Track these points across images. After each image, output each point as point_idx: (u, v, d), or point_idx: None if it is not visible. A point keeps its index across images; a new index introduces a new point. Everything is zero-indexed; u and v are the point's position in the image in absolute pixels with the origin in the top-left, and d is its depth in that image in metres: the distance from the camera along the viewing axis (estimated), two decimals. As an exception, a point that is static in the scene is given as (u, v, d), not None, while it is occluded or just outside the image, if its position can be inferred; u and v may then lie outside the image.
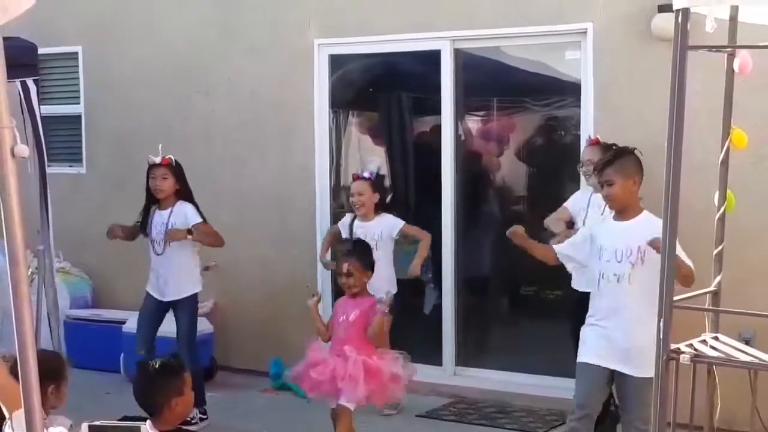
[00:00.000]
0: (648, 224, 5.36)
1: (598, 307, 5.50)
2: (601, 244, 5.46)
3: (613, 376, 5.53)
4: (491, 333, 9.07)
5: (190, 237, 7.19)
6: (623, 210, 5.46)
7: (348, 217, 7.70)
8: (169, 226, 7.23)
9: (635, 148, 5.73)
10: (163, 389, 4.30)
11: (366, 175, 7.56)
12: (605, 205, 5.92)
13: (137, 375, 4.51)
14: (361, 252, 6.49)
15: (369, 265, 6.29)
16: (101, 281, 9.61)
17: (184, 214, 7.26)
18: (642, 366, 5.34)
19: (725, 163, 4.26)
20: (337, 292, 7.43)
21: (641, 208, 5.49)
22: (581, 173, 6.95)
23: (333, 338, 6.24)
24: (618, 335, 5.37)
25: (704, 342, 4.09)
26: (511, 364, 8.15)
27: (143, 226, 7.40)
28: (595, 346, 5.47)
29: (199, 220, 7.27)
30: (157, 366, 4.40)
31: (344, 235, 7.56)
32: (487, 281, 9.26)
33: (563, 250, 5.71)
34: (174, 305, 7.38)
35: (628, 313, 5.36)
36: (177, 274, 7.33)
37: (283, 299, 8.68)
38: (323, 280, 8.49)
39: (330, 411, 6.17)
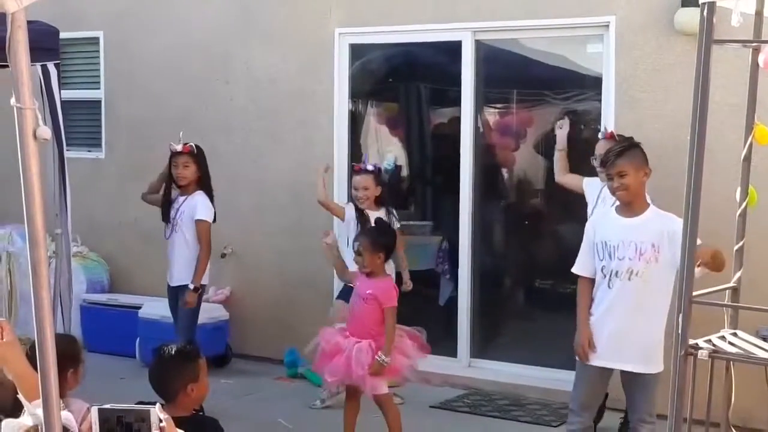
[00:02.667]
0: (662, 220, 5.33)
1: (607, 305, 5.44)
2: (608, 240, 5.40)
3: (612, 372, 5.54)
4: (506, 325, 9.05)
5: (196, 293, 7.21)
6: (632, 203, 5.40)
7: (350, 207, 7.46)
8: (179, 215, 7.24)
9: (639, 143, 5.71)
10: (178, 375, 4.29)
11: (370, 167, 7.37)
12: (615, 201, 5.89)
13: (153, 361, 4.50)
14: (373, 232, 6.53)
15: (380, 247, 6.27)
16: (118, 266, 9.64)
17: (194, 205, 7.23)
18: (650, 363, 5.35)
19: (748, 159, 4.23)
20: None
21: (648, 203, 5.45)
22: (595, 167, 6.89)
23: (349, 314, 6.34)
24: (628, 333, 5.36)
25: (723, 338, 4.06)
26: (526, 357, 8.14)
27: (166, 216, 7.38)
28: (598, 346, 5.44)
29: (202, 217, 7.20)
30: (172, 352, 4.40)
31: (353, 227, 7.33)
32: (504, 274, 9.25)
33: (589, 271, 5.55)
34: (178, 292, 7.35)
35: (641, 311, 5.35)
36: (181, 261, 7.29)
37: (298, 288, 8.69)
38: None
39: (346, 387, 6.36)
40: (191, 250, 7.28)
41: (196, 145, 7.27)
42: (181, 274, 7.29)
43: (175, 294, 7.37)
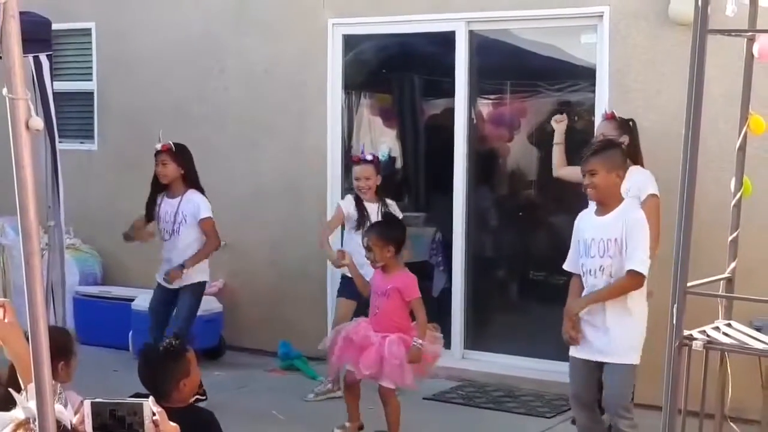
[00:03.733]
0: (622, 213, 5.37)
1: None
2: (585, 239, 5.48)
3: (601, 368, 5.56)
4: (500, 317, 9.05)
5: (185, 271, 7.20)
6: (604, 202, 5.44)
7: (349, 199, 7.46)
8: (179, 215, 7.25)
9: (621, 143, 5.73)
10: (169, 374, 4.31)
11: (369, 157, 7.36)
12: None
13: (141, 362, 4.49)
14: (382, 226, 6.56)
15: (391, 239, 6.27)
16: (111, 258, 9.61)
17: (196, 205, 7.25)
18: (621, 353, 5.36)
19: (743, 149, 4.23)
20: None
21: (621, 199, 5.47)
22: None
23: (371, 312, 6.34)
24: (600, 325, 5.41)
25: (717, 329, 4.06)
26: (519, 349, 8.14)
27: (150, 214, 7.40)
28: (582, 340, 5.50)
29: (208, 215, 7.26)
30: (160, 351, 4.40)
31: (354, 216, 7.37)
32: (497, 265, 9.23)
33: (576, 267, 5.65)
34: (180, 290, 7.36)
35: (611, 305, 5.39)
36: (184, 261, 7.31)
37: (292, 280, 8.68)
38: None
39: (346, 373, 6.40)
40: (197, 246, 7.32)
41: (176, 143, 7.27)
42: (189, 276, 7.29)
43: (176, 294, 7.38)
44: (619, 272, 5.31)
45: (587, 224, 5.56)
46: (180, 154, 7.29)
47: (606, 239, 5.35)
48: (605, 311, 5.38)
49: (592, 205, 5.71)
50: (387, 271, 6.28)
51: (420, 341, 6.10)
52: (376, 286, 6.31)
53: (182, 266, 7.20)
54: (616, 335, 5.36)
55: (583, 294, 5.52)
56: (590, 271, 5.44)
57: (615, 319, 5.36)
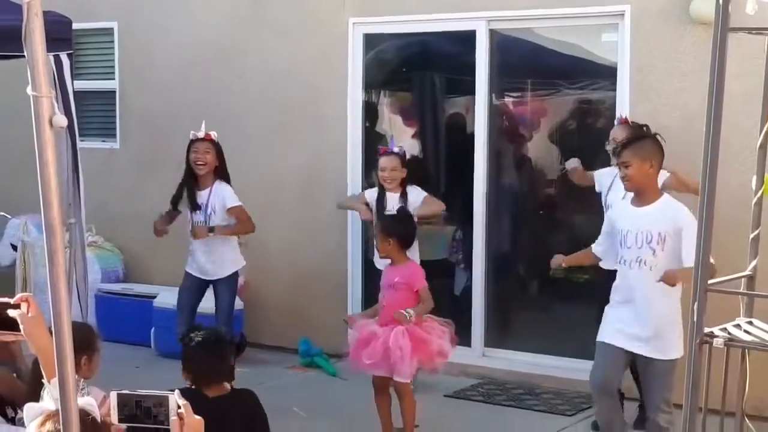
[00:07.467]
0: (670, 210, 5.37)
1: (620, 291, 5.54)
2: (621, 229, 5.48)
3: (632, 358, 5.53)
4: (520, 315, 9.04)
5: (211, 234, 7.24)
6: (640, 193, 5.45)
7: (372, 191, 7.60)
8: (209, 209, 7.29)
9: (657, 133, 5.73)
10: (227, 357, 4.72)
11: (396, 150, 7.47)
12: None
13: (201, 349, 4.69)
14: (388, 219, 6.80)
15: (392, 233, 6.38)
16: (133, 255, 9.66)
17: (222, 197, 7.30)
18: (665, 349, 5.36)
19: (764, 146, 4.21)
20: (366, 263, 7.72)
21: (660, 192, 5.47)
22: (609, 151, 6.89)
23: (380, 306, 6.43)
24: (639, 319, 5.41)
25: (738, 326, 4.05)
26: (540, 347, 8.14)
27: (176, 203, 7.43)
28: (614, 328, 5.52)
29: (237, 203, 7.32)
30: (216, 338, 4.74)
31: (373, 209, 7.48)
32: (518, 263, 9.23)
33: (600, 247, 5.75)
34: (215, 283, 7.44)
35: (648, 298, 5.39)
36: (218, 253, 7.38)
37: (311, 278, 8.69)
38: (353, 260, 8.52)
39: (373, 378, 6.36)
40: (226, 240, 7.37)
41: (216, 137, 7.35)
42: (220, 266, 7.39)
43: (206, 287, 7.45)
44: (662, 266, 5.29)
45: (624, 215, 5.57)
46: (219, 145, 7.36)
47: (646, 231, 5.34)
48: (653, 310, 5.36)
49: (618, 194, 5.72)
50: (394, 263, 6.41)
51: (412, 313, 6.13)
52: (385, 279, 6.42)
53: (212, 229, 7.24)
54: (664, 332, 5.36)
55: (615, 286, 5.54)
56: (626, 262, 5.43)
57: (661, 316, 5.36)
